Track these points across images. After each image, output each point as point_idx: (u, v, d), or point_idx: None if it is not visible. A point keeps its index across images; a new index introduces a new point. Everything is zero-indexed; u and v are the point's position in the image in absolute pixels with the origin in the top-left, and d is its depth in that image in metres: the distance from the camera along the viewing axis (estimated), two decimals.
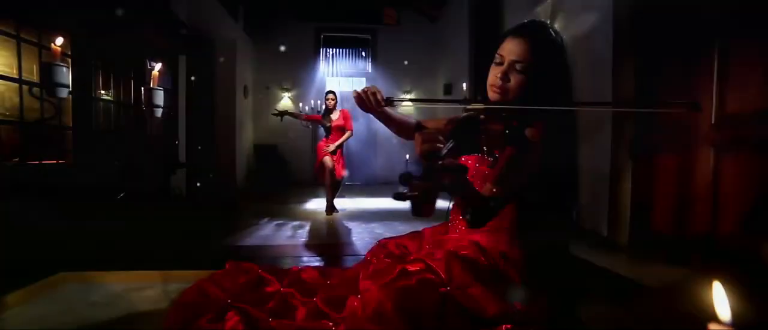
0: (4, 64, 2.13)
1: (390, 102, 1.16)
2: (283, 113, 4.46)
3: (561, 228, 1.12)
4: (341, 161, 4.23)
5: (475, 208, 0.91)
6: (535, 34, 1.05)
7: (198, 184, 4.05)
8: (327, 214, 4.17)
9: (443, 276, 0.91)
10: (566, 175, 1.13)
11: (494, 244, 1.06)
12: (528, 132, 1.01)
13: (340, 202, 4.62)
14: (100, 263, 2.09)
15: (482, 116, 1.07)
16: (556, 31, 1.09)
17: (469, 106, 1.07)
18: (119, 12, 2.84)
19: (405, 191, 0.78)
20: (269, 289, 1.19)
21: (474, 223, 0.94)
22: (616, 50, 2.87)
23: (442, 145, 0.79)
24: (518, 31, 1.06)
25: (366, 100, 1.15)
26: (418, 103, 1.10)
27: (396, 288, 0.88)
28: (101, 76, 2.83)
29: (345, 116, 4.29)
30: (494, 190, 0.95)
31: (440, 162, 0.76)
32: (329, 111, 4.27)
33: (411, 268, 0.93)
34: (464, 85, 3.64)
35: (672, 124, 2.52)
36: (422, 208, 0.77)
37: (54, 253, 2.10)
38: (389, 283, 0.90)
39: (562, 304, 1.02)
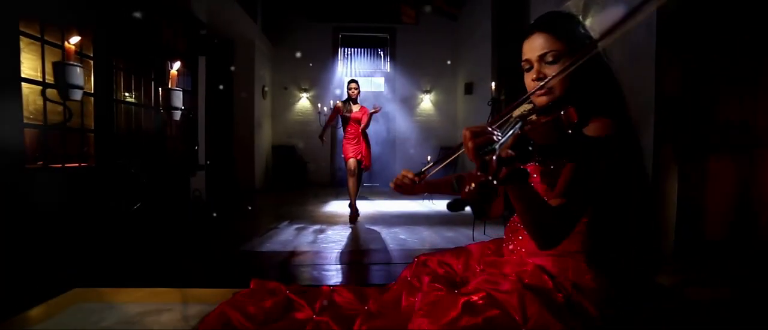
0: (29, 67, 2.08)
1: (422, 174, 1.13)
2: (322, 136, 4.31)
3: (642, 250, 0.95)
4: (365, 150, 4.04)
5: (545, 225, 0.77)
6: (549, 22, 0.95)
7: (214, 215, 3.93)
8: (350, 221, 3.97)
9: (517, 316, 0.74)
10: (641, 181, 0.96)
11: (561, 270, 0.90)
12: (591, 128, 0.86)
13: (360, 205, 4.48)
14: (116, 276, 2.00)
15: (532, 118, 0.92)
16: (568, 11, 0.97)
17: (514, 113, 0.94)
18: (139, 13, 2.78)
19: (459, 197, 0.69)
20: (300, 315, 1.05)
21: (546, 243, 0.78)
22: (660, 41, 2.64)
23: (495, 136, 0.70)
24: (531, 29, 0.97)
25: (403, 186, 1.14)
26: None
27: (459, 329, 0.73)
28: (122, 77, 2.76)
29: (364, 110, 4.11)
30: (561, 202, 0.79)
31: (495, 156, 0.65)
32: (352, 100, 4.08)
33: (477, 301, 0.77)
34: (493, 84, 3.46)
35: (729, 123, 2.29)
36: (484, 208, 0.67)
37: (70, 263, 2.03)
38: (450, 322, 0.74)
39: None
